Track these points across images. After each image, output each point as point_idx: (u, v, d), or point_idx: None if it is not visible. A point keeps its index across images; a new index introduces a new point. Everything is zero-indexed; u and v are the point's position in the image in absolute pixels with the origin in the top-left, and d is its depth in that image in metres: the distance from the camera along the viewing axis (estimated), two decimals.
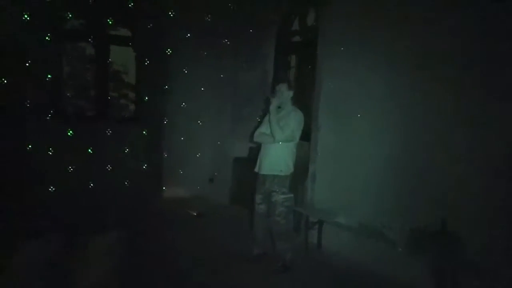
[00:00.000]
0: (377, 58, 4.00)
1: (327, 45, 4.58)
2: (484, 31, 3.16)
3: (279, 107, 3.90)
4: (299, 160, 4.39)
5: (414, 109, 3.67)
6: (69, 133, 5.17)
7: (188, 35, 5.65)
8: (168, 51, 5.70)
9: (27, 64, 5.13)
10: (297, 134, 3.86)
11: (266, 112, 4.04)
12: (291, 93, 3.93)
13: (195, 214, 5.56)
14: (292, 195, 3.97)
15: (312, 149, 4.73)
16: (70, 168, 5.24)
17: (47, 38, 5.14)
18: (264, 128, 3.95)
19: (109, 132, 5.55)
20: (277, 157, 3.86)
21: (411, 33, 3.68)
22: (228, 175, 5.98)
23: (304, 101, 5.07)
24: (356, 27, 4.19)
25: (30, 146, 5.12)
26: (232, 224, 5.30)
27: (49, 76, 5.28)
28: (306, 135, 4.67)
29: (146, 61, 5.96)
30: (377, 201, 3.99)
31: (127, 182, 5.67)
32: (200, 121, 6.08)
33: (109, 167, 5.49)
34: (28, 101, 5.33)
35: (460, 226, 3.26)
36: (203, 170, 6.32)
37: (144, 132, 5.79)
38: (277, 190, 3.86)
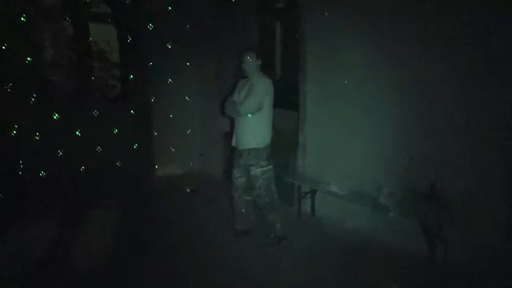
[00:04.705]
0: (364, 22, 3.87)
1: (312, 10, 4.42)
2: None
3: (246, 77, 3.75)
4: (288, 130, 4.34)
5: (405, 73, 3.57)
6: (54, 117, 5.07)
7: (169, 8, 5.45)
8: (150, 27, 5.52)
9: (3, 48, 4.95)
10: (266, 103, 3.66)
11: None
12: (259, 62, 3.73)
13: (189, 190, 5.55)
14: (271, 166, 3.79)
15: (300, 118, 4.67)
16: (60, 152, 5.17)
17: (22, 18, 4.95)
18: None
19: (96, 114, 5.44)
20: (250, 129, 3.69)
21: None
22: (219, 149, 5.93)
23: (292, 69, 4.95)
24: None
25: (14, 132, 5.02)
26: (225, 199, 5.29)
27: (28, 59, 5.10)
28: (294, 104, 4.61)
29: (128, 38, 5.79)
30: (368, 168, 3.96)
31: (119, 163, 5.62)
32: (188, 97, 5.97)
33: (99, 149, 5.42)
34: (10, 86, 5.19)
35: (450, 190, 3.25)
36: (194, 146, 6.27)
37: (132, 111, 5.69)
38: (255, 163, 3.71)
